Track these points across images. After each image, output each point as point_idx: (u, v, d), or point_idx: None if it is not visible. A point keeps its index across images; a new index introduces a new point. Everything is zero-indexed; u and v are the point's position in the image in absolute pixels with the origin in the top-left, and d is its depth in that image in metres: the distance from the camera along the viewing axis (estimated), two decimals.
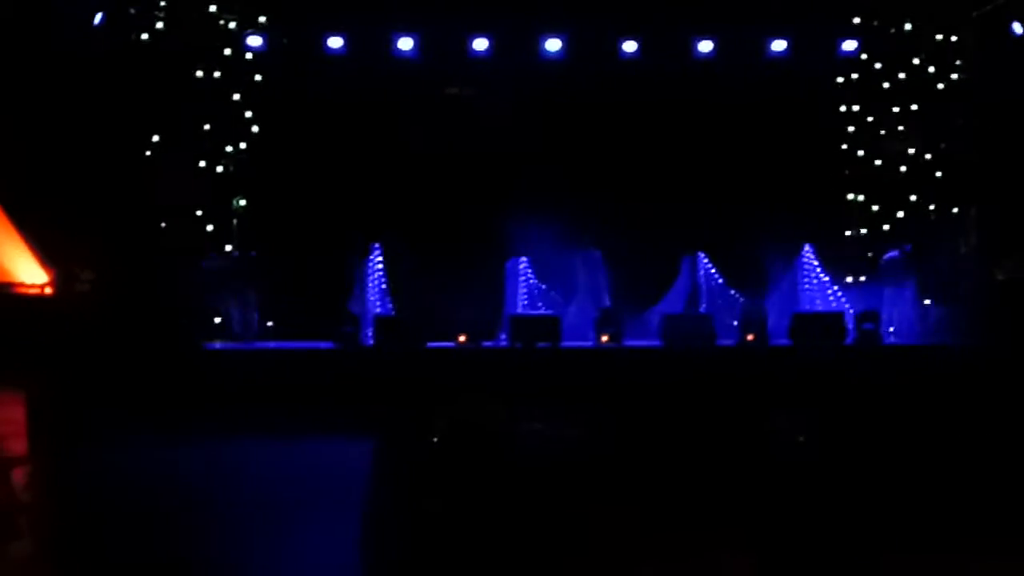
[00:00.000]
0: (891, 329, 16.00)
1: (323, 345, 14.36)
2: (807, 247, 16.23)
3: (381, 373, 13.46)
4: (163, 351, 13.49)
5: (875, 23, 16.86)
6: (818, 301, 15.97)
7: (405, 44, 16.23)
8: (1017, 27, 15.10)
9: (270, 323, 16.15)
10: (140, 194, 14.49)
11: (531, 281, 15.85)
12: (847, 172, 17.32)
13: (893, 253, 16.27)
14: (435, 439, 6.76)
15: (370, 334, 14.64)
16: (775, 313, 15.22)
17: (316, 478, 10.28)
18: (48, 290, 13.68)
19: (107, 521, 8.66)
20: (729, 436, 6.50)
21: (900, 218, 16.89)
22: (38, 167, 13.33)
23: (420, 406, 7.24)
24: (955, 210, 16.54)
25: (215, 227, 16.05)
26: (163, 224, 14.79)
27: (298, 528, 8.50)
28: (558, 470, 6.48)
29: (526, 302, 15.64)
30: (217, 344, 14.86)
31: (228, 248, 16.21)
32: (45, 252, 13.67)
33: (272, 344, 15.28)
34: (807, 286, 16.17)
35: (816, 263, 16.21)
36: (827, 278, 16.17)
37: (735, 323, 15.16)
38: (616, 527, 6.01)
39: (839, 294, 16.07)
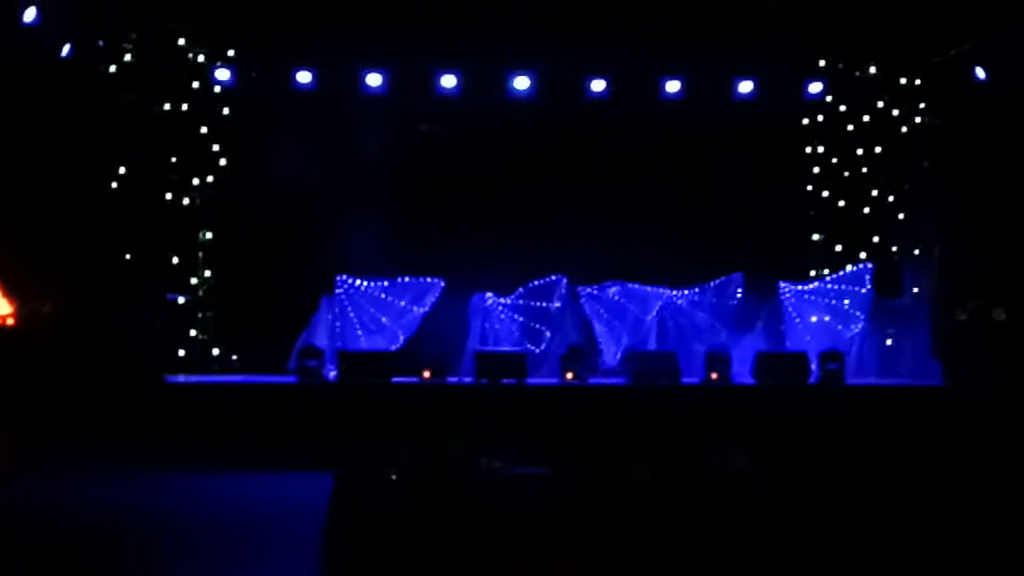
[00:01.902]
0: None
1: (286, 380, 14.29)
2: (782, 285, 16.32)
3: (344, 408, 13.40)
4: (124, 383, 13.40)
5: (840, 66, 17.03)
6: (808, 338, 16.06)
7: (374, 80, 16.26)
8: (980, 72, 15.27)
9: (234, 356, 16.11)
10: (104, 226, 14.40)
11: (502, 316, 15.87)
12: (811, 212, 17.47)
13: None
14: (395, 475, 6.74)
15: (333, 369, 14.58)
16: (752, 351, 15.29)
17: (275, 513, 10.25)
18: (10, 321, 13.56)
19: (59, 554, 8.59)
20: (687, 473, 6.50)
21: (863, 259, 17.01)
22: (1, 198, 13.25)
23: (382, 442, 7.22)
24: (917, 251, 16.66)
25: (180, 259, 16.01)
26: (127, 256, 14.68)
27: (257, 562, 8.46)
28: (522, 508, 6.46)
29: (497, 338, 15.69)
30: (180, 377, 14.77)
31: (193, 281, 16.18)
32: (7, 284, 13.57)
33: (235, 378, 15.21)
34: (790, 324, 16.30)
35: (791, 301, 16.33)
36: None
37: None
38: (581, 566, 5.99)
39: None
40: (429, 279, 15.75)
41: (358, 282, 15.58)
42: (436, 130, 17.04)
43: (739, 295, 16.11)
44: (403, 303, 15.65)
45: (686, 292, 16.23)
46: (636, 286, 16.13)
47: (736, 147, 16.76)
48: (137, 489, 11.36)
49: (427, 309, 15.66)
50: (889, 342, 16.57)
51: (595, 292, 16.06)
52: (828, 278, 16.70)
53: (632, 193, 16.62)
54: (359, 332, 15.50)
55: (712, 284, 16.23)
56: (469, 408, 13.73)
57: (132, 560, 8.53)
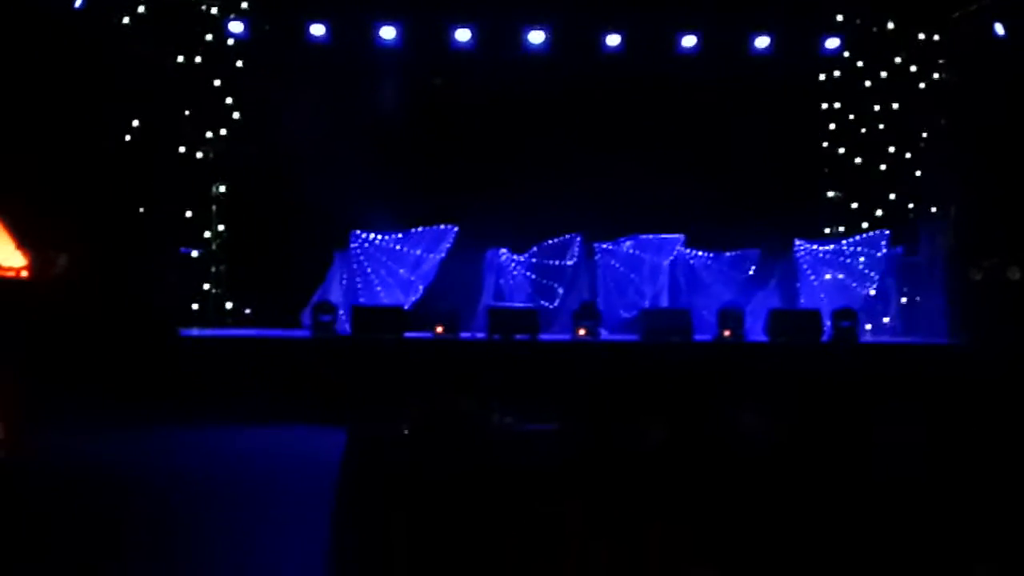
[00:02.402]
0: (867, 327, 16.09)
1: (299, 334, 14.32)
2: (797, 242, 16.29)
3: (357, 362, 13.44)
4: (138, 337, 13.45)
5: (858, 21, 16.88)
6: (823, 296, 16.03)
7: (387, 33, 16.19)
8: (999, 28, 15.12)
9: (247, 310, 16.15)
10: (118, 180, 14.40)
11: (515, 272, 15.87)
12: (826, 170, 17.38)
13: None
14: (407, 430, 6.75)
15: (347, 323, 14.61)
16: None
17: (288, 466, 10.29)
18: (25, 274, 13.60)
19: (73, 507, 8.65)
20: (699, 430, 6.49)
21: (879, 216, 16.95)
22: (15, 152, 13.25)
23: (394, 397, 7.23)
24: (933, 209, 16.58)
25: (194, 213, 16.01)
26: (141, 209, 14.69)
27: (270, 516, 8.51)
28: (533, 465, 6.47)
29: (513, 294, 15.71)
30: (193, 331, 14.82)
31: (207, 234, 16.19)
32: (22, 236, 13.59)
33: (248, 332, 15.25)
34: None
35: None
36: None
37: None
38: (591, 523, 5.99)
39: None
40: (443, 226, 15.73)
41: (372, 236, 15.57)
42: (449, 84, 16.93)
43: (752, 271, 16.08)
44: (419, 252, 15.65)
45: (700, 254, 16.20)
46: (651, 236, 16.10)
47: (752, 103, 16.63)
48: (151, 442, 11.42)
49: (443, 255, 15.66)
50: (904, 300, 16.53)
51: (610, 248, 16.04)
52: (845, 241, 16.65)
53: (647, 149, 16.53)
54: (378, 288, 15.53)
55: (727, 255, 16.19)
56: (481, 364, 13.75)
57: (145, 513, 8.58)
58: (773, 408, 6.63)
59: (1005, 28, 15.10)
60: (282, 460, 10.68)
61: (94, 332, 13.26)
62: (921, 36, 16.71)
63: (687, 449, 6.33)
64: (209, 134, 16.12)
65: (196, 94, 15.93)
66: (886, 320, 16.46)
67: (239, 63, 16.31)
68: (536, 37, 16.34)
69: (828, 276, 16.56)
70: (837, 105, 17.39)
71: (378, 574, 5.80)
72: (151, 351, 13.33)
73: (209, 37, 16.02)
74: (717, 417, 6.62)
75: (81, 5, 14.10)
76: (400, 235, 15.66)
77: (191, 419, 12.19)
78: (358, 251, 15.57)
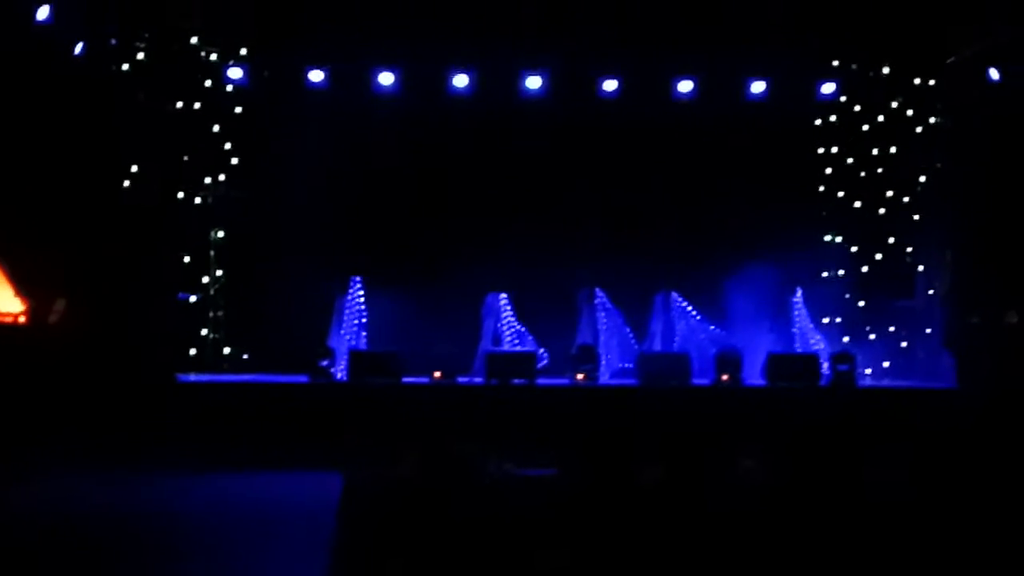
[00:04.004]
0: (867, 371, 16.08)
1: (297, 379, 14.30)
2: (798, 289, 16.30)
3: (355, 408, 13.41)
4: (136, 382, 13.43)
5: (853, 66, 16.97)
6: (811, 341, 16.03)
7: (386, 79, 16.28)
8: (994, 73, 15.21)
9: (245, 355, 16.13)
10: (116, 225, 14.42)
11: (509, 318, 15.86)
12: (824, 213, 17.40)
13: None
14: (405, 476, 6.73)
15: (345, 369, 14.59)
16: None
17: (285, 512, 10.26)
18: (23, 319, 13.59)
19: (68, 552, 8.61)
20: (697, 476, 6.47)
21: (878, 260, 16.99)
22: (14, 197, 13.28)
23: (392, 442, 7.21)
24: (930, 253, 16.61)
25: (192, 258, 16.02)
26: (140, 255, 14.69)
27: (267, 562, 8.47)
28: (531, 511, 6.44)
29: (512, 339, 15.67)
30: (191, 376, 14.79)
31: (205, 280, 16.20)
32: (21, 282, 13.60)
33: (246, 377, 15.22)
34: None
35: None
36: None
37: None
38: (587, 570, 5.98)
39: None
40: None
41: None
42: (447, 128, 16.89)
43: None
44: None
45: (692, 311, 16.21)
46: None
47: (749, 148, 16.71)
48: (149, 488, 11.38)
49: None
50: (904, 344, 16.54)
51: (605, 297, 16.03)
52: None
53: (645, 193, 16.61)
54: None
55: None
56: (479, 409, 13.72)
57: (143, 560, 8.54)
58: (770, 454, 6.62)
59: (999, 73, 15.18)
60: (279, 506, 10.65)
61: (92, 378, 13.25)
62: (917, 81, 16.80)
63: (685, 495, 6.31)
64: (208, 179, 16.17)
65: (195, 140, 15.97)
66: (886, 364, 16.45)
67: (238, 109, 16.39)
68: (533, 82, 16.43)
69: (826, 320, 16.59)
70: (835, 149, 17.44)
71: None
72: (148, 397, 13.31)
73: (208, 83, 16.11)
74: (715, 463, 6.60)
75: (81, 52, 14.17)
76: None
77: (188, 465, 12.15)
78: (358, 296, 15.57)
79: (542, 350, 15.57)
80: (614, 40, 15.63)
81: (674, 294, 16.10)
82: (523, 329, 15.74)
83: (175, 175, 15.73)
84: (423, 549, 5.94)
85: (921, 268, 16.77)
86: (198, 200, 16.07)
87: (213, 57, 16.10)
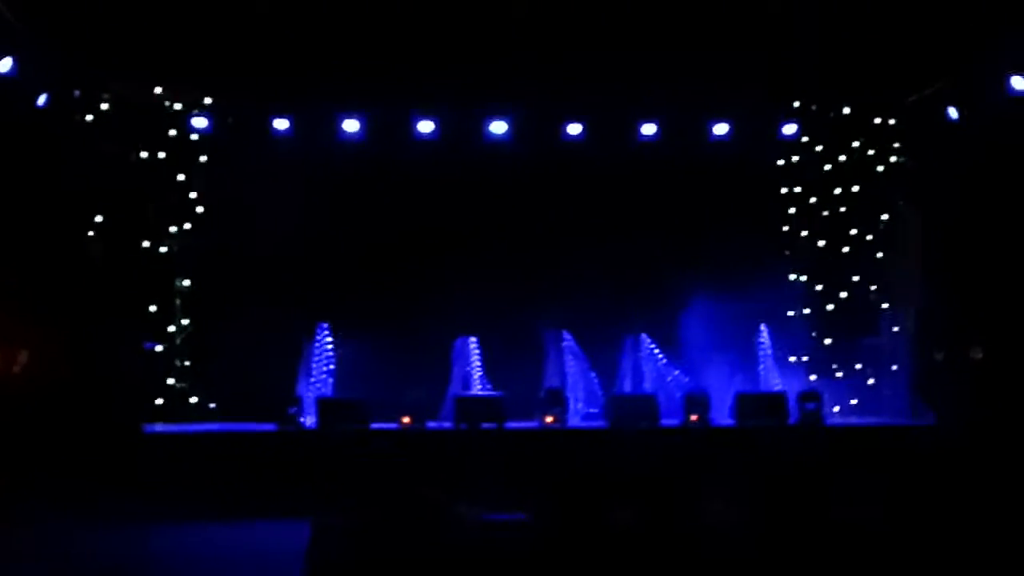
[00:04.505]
0: (835, 409, 16.13)
1: (264, 427, 14.22)
2: (763, 327, 16.34)
3: (323, 455, 13.36)
4: (102, 433, 13.33)
5: (814, 107, 17.15)
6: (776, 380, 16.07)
7: (351, 125, 16.32)
8: (953, 112, 15.40)
9: (212, 404, 16.03)
10: (81, 275, 14.36)
11: (477, 362, 15.82)
12: (788, 252, 17.50)
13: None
14: (373, 522, 6.70)
15: (313, 416, 14.52)
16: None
17: (254, 561, 10.18)
18: None
19: None
20: (667, 517, 6.47)
21: (843, 298, 17.09)
22: None
23: (360, 488, 7.19)
24: (894, 291, 16.73)
25: (158, 307, 15.93)
26: (104, 305, 14.61)
27: None
28: (501, 554, 6.42)
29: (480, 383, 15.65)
30: (157, 426, 14.68)
31: (171, 329, 16.11)
32: None
33: (213, 427, 15.13)
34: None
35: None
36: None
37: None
38: None
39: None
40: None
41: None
42: (414, 175, 16.89)
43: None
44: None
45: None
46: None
47: (712, 189, 16.82)
48: (115, 539, 11.27)
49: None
50: (871, 381, 16.60)
51: (572, 339, 16.03)
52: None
53: (609, 235, 16.67)
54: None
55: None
56: (448, 454, 13.69)
57: None
58: (740, 494, 6.63)
59: (958, 112, 15.37)
60: (248, 555, 10.58)
61: (57, 428, 13.14)
62: (877, 121, 16.98)
63: (657, 536, 6.31)
64: (173, 228, 16.11)
65: (160, 189, 15.94)
66: (854, 402, 16.51)
67: (203, 158, 16.36)
68: (498, 127, 16.50)
69: (792, 358, 16.66)
70: (798, 189, 17.56)
71: None
72: (114, 447, 13.20)
73: (172, 132, 16.09)
74: (685, 504, 6.61)
75: (45, 103, 14.15)
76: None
77: (156, 515, 12.05)
78: (325, 343, 15.54)
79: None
80: (578, 84, 15.70)
81: (643, 336, 16.12)
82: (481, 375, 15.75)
83: (140, 224, 15.67)
84: None
85: (886, 305, 16.86)
86: (163, 249, 16.00)
87: (177, 106, 16.09)
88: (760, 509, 6.64)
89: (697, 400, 14.82)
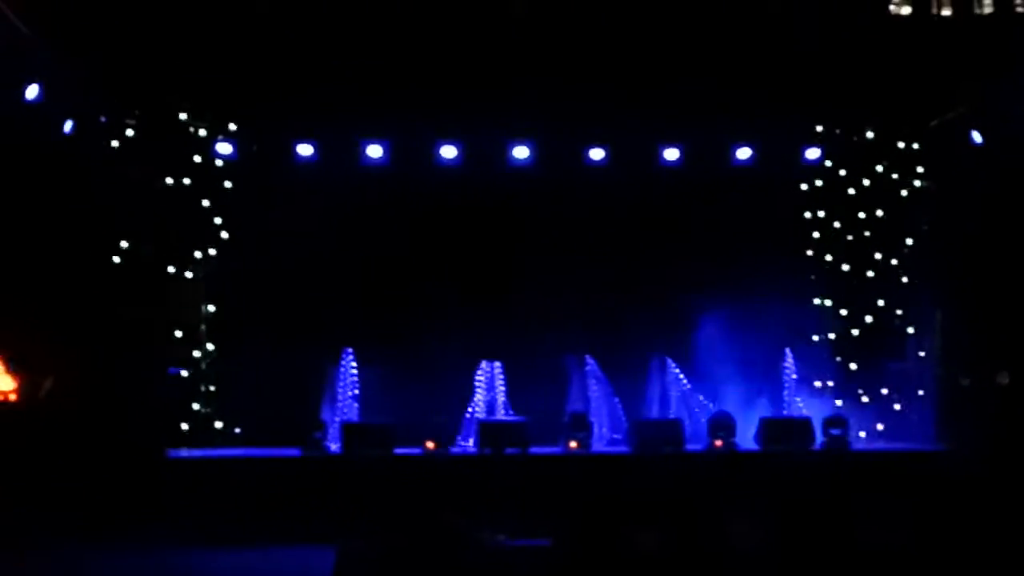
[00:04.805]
0: (861, 434, 16.05)
1: (289, 452, 14.25)
2: (788, 351, 16.28)
3: (348, 480, 13.39)
4: (127, 458, 13.39)
5: (837, 131, 17.12)
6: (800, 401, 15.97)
7: (374, 151, 16.38)
8: (976, 136, 15.36)
9: (237, 429, 16.07)
10: (107, 301, 14.45)
11: (501, 386, 15.81)
12: (813, 277, 17.44)
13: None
14: (397, 548, 6.69)
15: (338, 441, 14.54)
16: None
17: None
18: (13, 397, 13.57)
19: None
20: (692, 543, 6.45)
21: (868, 322, 17.02)
22: (4, 273, 13.31)
23: (385, 514, 7.19)
24: (919, 315, 16.66)
25: (183, 333, 15.99)
26: (130, 331, 14.68)
27: None
28: None
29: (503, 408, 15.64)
30: (182, 451, 14.72)
31: (196, 354, 16.15)
32: (10, 360, 13.59)
33: (238, 452, 15.16)
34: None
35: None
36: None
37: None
38: None
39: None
40: None
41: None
42: (437, 199, 16.93)
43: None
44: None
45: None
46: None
47: (736, 213, 16.79)
48: (142, 563, 11.32)
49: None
50: (897, 406, 16.52)
51: (595, 364, 16.00)
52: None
53: (633, 260, 16.67)
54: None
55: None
56: (472, 479, 13.69)
57: None
58: (765, 520, 6.61)
59: (981, 136, 15.33)
60: None
61: (82, 454, 13.21)
62: (900, 145, 16.94)
63: (680, 563, 6.29)
64: (198, 254, 16.18)
65: (185, 215, 16.01)
66: (880, 427, 16.43)
67: (227, 183, 16.44)
68: (521, 152, 16.53)
69: (818, 383, 16.57)
70: (821, 213, 17.50)
71: None
72: (139, 472, 13.26)
73: (198, 159, 16.16)
74: (709, 530, 6.58)
75: (71, 130, 14.26)
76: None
77: (181, 540, 12.09)
78: (350, 368, 15.57)
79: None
80: (601, 109, 15.75)
81: (668, 360, 16.08)
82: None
83: (165, 250, 15.75)
84: None
85: (911, 330, 16.79)
86: (189, 275, 16.06)
87: (202, 132, 16.18)
88: (785, 535, 6.60)
89: (722, 424, 14.77)
